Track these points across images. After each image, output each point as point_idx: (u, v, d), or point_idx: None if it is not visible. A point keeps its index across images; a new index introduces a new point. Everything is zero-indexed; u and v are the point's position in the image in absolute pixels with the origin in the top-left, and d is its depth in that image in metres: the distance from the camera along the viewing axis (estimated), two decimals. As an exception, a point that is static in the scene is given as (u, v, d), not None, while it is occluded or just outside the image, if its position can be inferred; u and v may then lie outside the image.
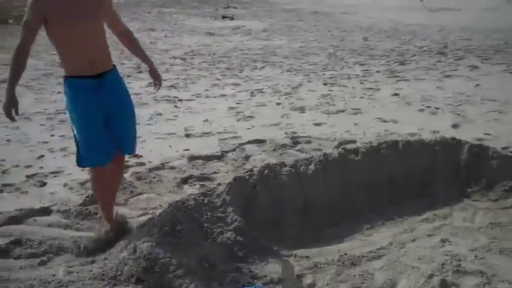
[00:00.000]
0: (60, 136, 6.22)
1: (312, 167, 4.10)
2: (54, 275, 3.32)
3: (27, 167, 5.19)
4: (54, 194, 4.57)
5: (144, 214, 4.20)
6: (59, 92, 8.57)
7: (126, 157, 5.47)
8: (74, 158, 5.40)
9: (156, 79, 3.96)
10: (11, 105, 3.38)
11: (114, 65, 3.76)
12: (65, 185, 4.76)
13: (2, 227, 3.97)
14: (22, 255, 3.59)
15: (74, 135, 3.61)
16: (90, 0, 3.54)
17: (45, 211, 4.23)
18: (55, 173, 5.08)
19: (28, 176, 4.92)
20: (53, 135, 6.27)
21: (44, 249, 3.65)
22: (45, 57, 11.66)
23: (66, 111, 3.59)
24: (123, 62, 11.74)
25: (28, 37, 3.44)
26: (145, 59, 4.00)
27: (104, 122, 3.59)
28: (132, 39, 4.01)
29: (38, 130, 6.42)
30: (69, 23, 3.41)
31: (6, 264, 3.49)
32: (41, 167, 5.21)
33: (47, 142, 5.97)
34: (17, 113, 3.42)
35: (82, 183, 4.80)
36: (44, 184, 4.80)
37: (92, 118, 3.53)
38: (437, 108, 7.54)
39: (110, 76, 3.66)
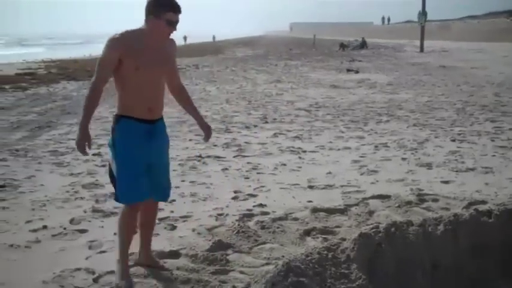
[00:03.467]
0: (190, 182, 6.53)
1: (441, 227, 3.95)
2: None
3: (159, 210, 5.48)
4: (183, 238, 4.77)
5: (267, 264, 4.25)
6: (190, 140, 9.03)
7: (251, 205, 5.68)
8: (203, 204, 5.76)
9: (205, 131, 4.13)
10: (85, 141, 3.57)
11: (163, 116, 3.93)
12: (193, 229, 4.96)
13: (134, 267, 4.19)
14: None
15: (111, 170, 3.75)
16: (165, 48, 3.77)
17: (174, 254, 4.41)
18: (184, 217, 5.31)
19: (160, 219, 5.19)
20: (183, 181, 6.59)
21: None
22: (177, 105, 12.36)
23: (110, 148, 3.74)
24: (250, 112, 12.15)
25: (103, 75, 3.62)
26: (196, 113, 4.15)
27: (146, 168, 3.74)
28: (187, 96, 4.16)
29: (170, 175, 6.76)
30: (145, 66, 3.59)
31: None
32: (172, 211, 5.48)
33: (178, 187, 6.27)
34: (89, 147, 3.62)
35: (210, 229, 4.97)
36: (174, 228, 5.03)
37: (139, 163, 3.68)
38: None
39: (160, 124, 3.84)
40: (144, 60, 3.60)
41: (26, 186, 6.32)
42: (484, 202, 5.58)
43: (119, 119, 3.72)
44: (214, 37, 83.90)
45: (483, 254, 4.02)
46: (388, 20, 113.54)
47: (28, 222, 5.16)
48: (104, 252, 4.45)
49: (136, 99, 3.66)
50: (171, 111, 11.65)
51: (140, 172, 3.71)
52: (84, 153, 3.64)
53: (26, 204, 5.68)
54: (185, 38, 72.09)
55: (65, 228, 4.98)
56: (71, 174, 6.82)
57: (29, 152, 8.14)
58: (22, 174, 6.83)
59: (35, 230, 4.93)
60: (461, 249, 3.96)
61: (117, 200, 3.85)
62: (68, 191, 6.09)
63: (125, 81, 3.64)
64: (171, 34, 3.73)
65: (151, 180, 3.79)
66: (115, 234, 4.58)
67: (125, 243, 3.90)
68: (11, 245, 4.59)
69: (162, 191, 3.98)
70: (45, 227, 5.00)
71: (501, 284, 3.88)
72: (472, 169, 7.18)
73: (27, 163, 7.47)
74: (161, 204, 5.55)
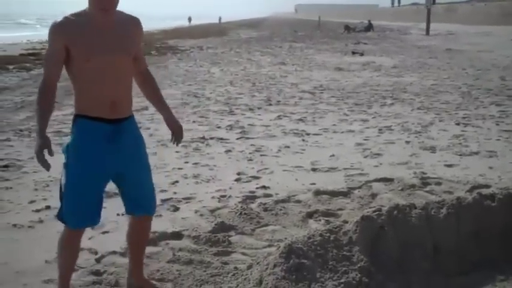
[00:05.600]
0: (194, 164, 6.53)
1: (443, 210, 3.94)
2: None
3: (162, 191, 5.48)
4: (185, 220, 4.78)
5: (269, 246, 4.26)
6: (193, 121, 9.03)
7: (254, 187, 5.69)
8: (206, 185, 5.77)
9: (175, 130, 3.38)
10: (44, 147, 2.87)
11: (133, 114, 3.27)
12: (196, 211, 4.97)
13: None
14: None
15: (61, 184, 3.13)
16: (122, 35, 3.10)
17: (177, 235, 4.42)
18: (187, 199, 5.32)
19: (163, 200, 5.18)
20: (187, 162, 6.60)
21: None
22: (182, 87, 12.35)
23: (64, 153, 3.10)
24: (254, 94, 12.11)
25: (51, 71, 3.04)
26: (163, 106, 3.41)
27: (104, 184, 3.18)
28: (153, 84, 3.44)
29: (173, 157, 6.78)
30: (95, 54, 2.97)
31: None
32: (175, 192, 5.49)
33: (181, 168, 6.28)
34: (50, 154, 2.89)
35: (212, 211, 4.98)
36: (176, 209, 5.04)
37: (93, 178, 3.07)
38: None
39: (127, 124, 3.15)
40: (95, 48, 2.97)
41: (29, 167, 6.33)
42: (487, 186, 5.56)
43: (75, 120, 3.10)
44: (220, 18, 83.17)
45: (485, 237, 4.02)
46: (399, 1, 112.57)
47: (31, 202, 5.18)
48: (106, 232, 4.46)
49: (93, 95, 3.03)
50: (175, 93, 11.67)
51: (93, 190, 3.11)
52: (45, 163, 2.88)
53: (30, 185, 5.70)
54: (190, 19, 71.77)
55: (68, 209, 4.99)
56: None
57: (32, 133, 8.14)
58: (26, 155, 6.84)
59: (38, 210, 4.95)
60: (463, 233, 3.96)
61: (60, 218, 3.18)
62: (71, 172, 6.08)
63: (78, 75, 3.03)
64: (114, 3, 3.01)
65: (126, 193, 3.26)
66: (118, 214, 4.62)
67: (63, 268, 3.32)
68: (15, 225, 4.62)
69: (144, 204, 3.32)
70: (48, 207, 5.01)
71: (503, 268, 3.87)
72: (476, 153, 7.16)
73: (31, 143, 7.47)
74: (164, 186, 5.59)
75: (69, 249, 3.26)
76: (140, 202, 3.29)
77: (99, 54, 2.98)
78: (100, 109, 3.03)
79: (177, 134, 3.38)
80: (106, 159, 3.07)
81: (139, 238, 3.50)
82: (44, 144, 2.88)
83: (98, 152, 3.05)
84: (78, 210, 3.10)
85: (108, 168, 3.11)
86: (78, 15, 3.01)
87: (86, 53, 2.96)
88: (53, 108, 3.06)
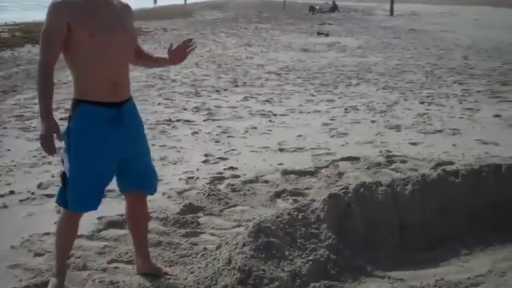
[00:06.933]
0: (160, 146, 6.47)
1: (409, 187, 4.02)
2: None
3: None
4: (153, 202, 4.72)
5: (238, 226, 4.27)
6: (159, 104, 8.94)
7: (221, 168, 5.67)
8: (173, 167, 5.73)
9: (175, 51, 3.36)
10: (51, 132, 2.88)
11: (131, 96, 3.27)
12: (163, 193, 4.93)
13: (103, 231, 4.17)
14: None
15: (64, 169, 3.10)
16: (122, 15, 3.10)
17: (145, 217, 4.39)
18: (155, 181, 5.27)
19: (130, 183, 5.13)
20: (153, 145, 6.49)
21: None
22: (146, 69, 12.17)
23: (64, 140, 3.03)
24: (220, 76, 12.05)
25: (51, 51, 2.94)
26: (158, 57, 3.51)
27: (110, 170, 3.15)
28: (140, 50, 3.43)
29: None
30: (99, 30, 2.92)
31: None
32: (142, 175, 5.43)
33: (147, 151, 6.23)
34: (60, 140, 2.96)
35: (180, 192, 4.96)
36: (144, 191, 4.99)
37: (99, 165, 3.05)
38: (543, 132, 7.17)
39: (128, 107, 3.15)
40: (98, 25, 2.93)
41: (-9, 152, 6.19)
42: (451, 163, 5.67)
43: (76, 105, 3.03)
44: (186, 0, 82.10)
45: (450, 213, 4.11)
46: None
47: (-6, 187, 5.08)
48: (73, 216, 4.40)
49: (95, 77, 2.98)
50: (139, 75, 11.51)
51: (100, 176, 3.10)
52: (52, 147, 2.90)
53: (-8, 170, 5.58)
54: (155, 0, 70.66)
55: (32, 193, 4.90)
56: (38, 139, 6.69)
57: (-7, 116, 7.97)
58: (-13, 140, 6.68)
59: (1, 196, 4.84)
60: (429, 209, 4.04)
61: (63, 205, 3.15)
62: (35, 156, 5.97)
63: (79, 55, 2.96)
64: None
65: (130, 175, 3.23)
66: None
67: (62, 250, 3.30)
68: (-22, 211, 4.52)
69: (148, 182, 3.34)
70: (12, 192, 4.92)
71: (467, 242, 3.97)
72: (440, 131, 7.28)
73: (-8, 128, 7.32)
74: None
75: (69, 231, 3.27)
76: (142, 182, 3.29)
77: (103, 31, 2.94)
78: (101, 92, 2.99)
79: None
80: (111, 143, 3.05)
81: (141, 218, 3.47)
82: (52, 126, 2.88)
83: (102, 136, 3.02)
84: (83, 194, 3.08)
85: (114, 152, 3.09)
86: None
87: (90, 29, 2.90)
88: (53, 89, 2.97)
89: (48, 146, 2.89)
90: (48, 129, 2.87)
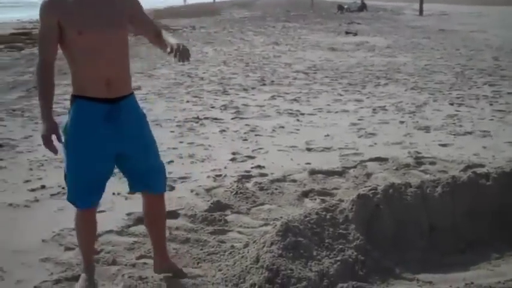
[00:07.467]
0: (188, 143, 6.52)
1: (439, 189, 3.97)
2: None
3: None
4: (181, 199, 4.79)
5: (265, 224, 4.28)
6: (187, 101, 9.00)
7: (249, 166, 5.69)
8: (201, 165, 5.77)
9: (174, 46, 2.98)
10: (51, 132, 2.90)
11: (133, 92, 3.25)
12: (192, 190, 4.97)
13: (132, 227, 4.23)
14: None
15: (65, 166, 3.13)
16: (112, 9, 3.04)
17: (173, 214, 4.42)
18: (183, 178, 5.32)
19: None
20: (181, 142, 6.59)
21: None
22: (175, 67, 12.27)
23: (63, 133, 3.05)
24: (248, 74, 12.06)
25: (47, 51, 2.99)
26: (165, 36, 3.20)
27: (107, 165, 3.13)
28: (157, 33, 3.23)
29: (168, 137, 6.76)
30: (87, 26, 2.92)
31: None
32: (170, 172, 5.45)
33: (176, 148, 6.28)
34: (59, 140, 2.98)
35: (208, 190, 5.00)
36: (172, 189, 5.03)
37: (93, 159, 3.03)
38: None
39: (125, 103, 3.11)
40: (86, 20, 2.92)
41: (23, 146, 6.31)
42: (481, 165, 5.59)
43: (73, 100, 3.06)
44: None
45: (480, 216, 4.05)
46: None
47: (26, 181, 5.17)
48: (102, 211, 4.44)
49: (88, 73, 2.98)
50: (168, 73, 11.60)
51: (95, 171, 3.07)
52: (52, 147, 2.93)
53: (24, 164, 5.68)
54: (185, -2, 70.85)
55: (63, 188, 4.95)
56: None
57: (25, 112, 8.11)
58: (19, 134, 6.81)
59: (33, 190, 4.94)
60: (458, 211, 3.99)
61: (72, 202, 3.21)
62: (66, 151, 6.06)
63: (72, 52, 2.98)
64: None
65: (130, 173, 3.23)
66: (114, 194, 4.62)
67: (84, 246, 3.34)
68: (10, 204, 4.61)
69: (150, 183, 3.26)
70: (43, 186, 5.01)
71: (498, 246, 3.91)
72: (470, 133, 7.19)
73: (24, 123, 7.45)
74: (159, 165, 5.57)
75: (85, 228, 3.28)
76: (147, 181, 3.24)
77: (91, 27, 2.93)
78: (96, 88, 2.99)
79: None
80: (105, 139, 3.03)
81: (155, 217, 3.41)
82: (51, 128, 2.89)
83: (96, 132, 3.01)
84: (80, 190, 3.10)
85: (108, 148, 3.06)
86: None
87: (77, 26, 2.90)
88: (54, 89, 3.02)
89: (49, 146, 2.92)
90: (49, 131, 2.90)
